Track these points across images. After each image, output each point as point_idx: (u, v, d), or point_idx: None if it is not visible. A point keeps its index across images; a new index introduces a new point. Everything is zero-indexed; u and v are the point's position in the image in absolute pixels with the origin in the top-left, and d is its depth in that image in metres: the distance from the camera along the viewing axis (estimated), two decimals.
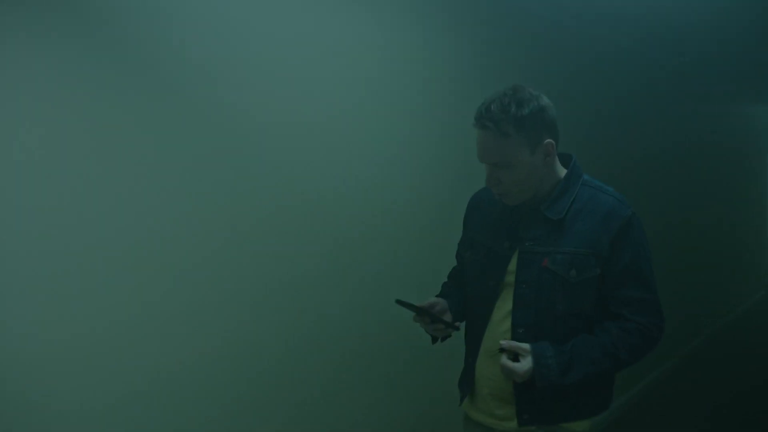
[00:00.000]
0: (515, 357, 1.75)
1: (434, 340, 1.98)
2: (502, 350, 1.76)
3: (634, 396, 4.81)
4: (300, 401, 2.42)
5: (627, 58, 4.68)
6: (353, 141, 2.59)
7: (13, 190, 1.71)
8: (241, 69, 2.19)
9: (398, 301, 1.79)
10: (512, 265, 1.85)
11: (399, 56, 2.77)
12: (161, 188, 2.00)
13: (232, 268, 2.19)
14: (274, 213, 2.31)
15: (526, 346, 1.75)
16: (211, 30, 2.09)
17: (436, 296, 2.03)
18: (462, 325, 1.98)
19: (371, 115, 2.66)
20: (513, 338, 1.82)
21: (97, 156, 1.86)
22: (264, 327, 2.29)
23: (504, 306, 1.86)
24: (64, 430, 1.80)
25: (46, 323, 1.77)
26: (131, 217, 1.93)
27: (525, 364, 1.72)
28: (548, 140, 1.77)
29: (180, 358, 2.06)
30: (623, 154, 4.66)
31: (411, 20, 2.83)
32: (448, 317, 1.93)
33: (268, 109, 2.27)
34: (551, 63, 3.77)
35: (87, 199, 1.84)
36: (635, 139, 4.87)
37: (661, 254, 5.22)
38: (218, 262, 2.15)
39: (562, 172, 1.86)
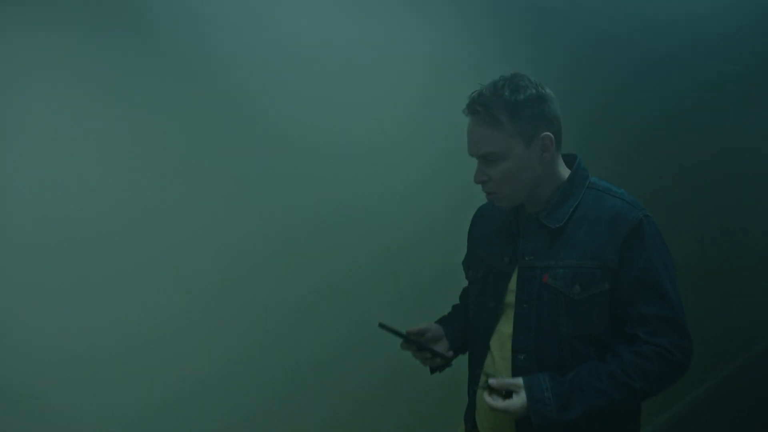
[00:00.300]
0: (509, 392, 1.53)
1: (432, 370, 1.77)
2: (490, 388, 1.53)
3: (662, 426, 4.39)
4: (333, 411, 2.36)
5: (673, 65, 4.45)
6: (395, 148, 2.54)
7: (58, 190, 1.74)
8: (286, 78, 2.20)
9: (381, 326, 1.59)
10: (513, 283, 1.64)
11: (442, 65, 2.73)
12: (202, 194, 2.01)
13: (269, 273, 2.18)
14: (312, 219, 2.29)
15: (518, 380, 1.51)
16: (257, 40, 2.12)
17: (437, 320, 1.82)
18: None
19: (413, 122, 2.61)
20: (513, 366, 1.60)
21: (134, 165, 1.87)
22: (299, 334, 2.26)
23: (505, 329, 1.64)
24: None
25: (76, 332, 1.78)
26: (169, 222, 1.94)
27: (518, 400, 1.49)
28: (546, 133, 1.55)
29: (219, 362, 2.06)
30: (673, 163, 4.43)
31: (456, 28, 2.79)
32: (443, 345, 1.72)
33: (312, 117, 2.27)
34: (596, 73, 3.64)
35: (126, 205, 1.86)
36: (686, 146, 4.62)
37: (711, 263, 4.89)
38: (256, 268, 2.14)
39: (566, 174, 1.64)
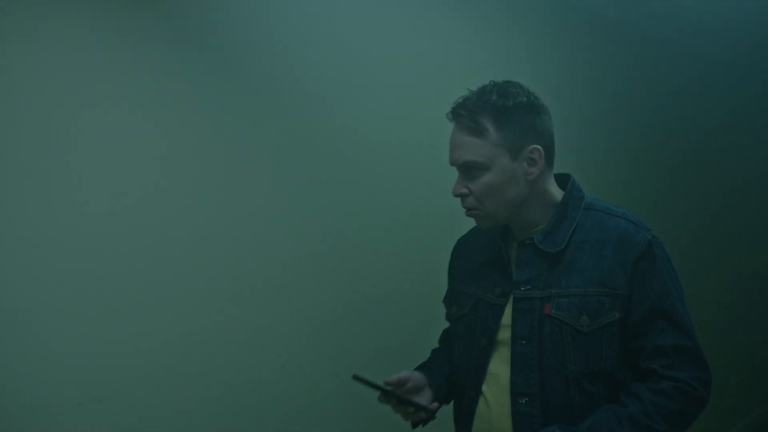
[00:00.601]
0: None
1: (414, 424, 1.54)
2: None
3: None
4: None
5: (735, 71, 4.36)
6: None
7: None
8: (356, 88, 2.28)
9: (356, 378, 1.37)
10: (506, 317, 1.44)
11: (497, 72, 2.64)
12: (272, 201, 2.12)
13: (330, 277, 2.24)
14: (377, 227, 2.34)
15: None
16: (327, 51, 2.22)
17: (417, 367, 1.61)
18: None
19: None
20: (513, 412, 1.39)
21: (197, 173, 1.98)
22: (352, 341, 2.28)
23: (500, 371, 1.44)
24: None
25: (138, 337, 1.86)
26: (232, 228, 2.04)
27: None
28: (535, 146, 1.40)
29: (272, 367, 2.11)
30: (737, 174, 4.28)
31: (514, 34, 2.84)
32: (426, 395, 1.50)
33: (382, 126, 2.33)
34: (652, 79, 3.58)
35: (188, 212, 1.96)
36: (750, 154, 4.47)
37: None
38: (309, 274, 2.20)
39: (558, 195, 1.48)
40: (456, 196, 1.45)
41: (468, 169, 1.41)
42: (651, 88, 3.57)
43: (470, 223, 1.55)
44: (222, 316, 2.01)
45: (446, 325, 1.69)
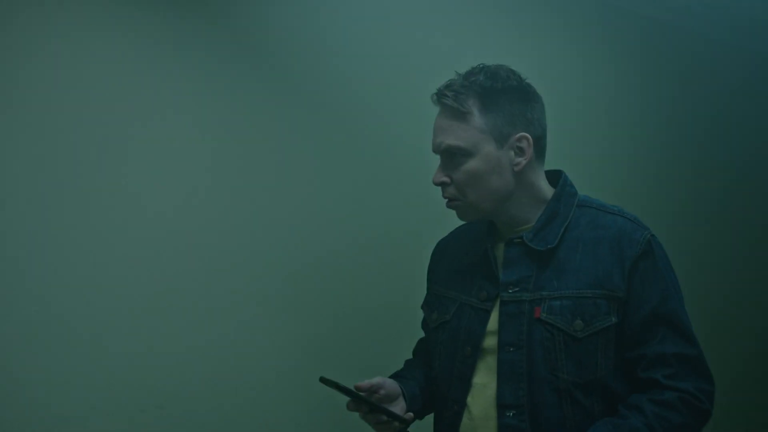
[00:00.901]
0: None
1: None
2: None
3: None
4: None
5: None
6: None
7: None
8: (403, 98, 2.29)
9: (323, 380, 1.24)
10: (493, 323, 1.32)
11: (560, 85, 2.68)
12: (318, 209, 2.18)
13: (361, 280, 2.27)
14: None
15: None
16: (378, 61, 2.28)
17: (390, 376, 1.48)
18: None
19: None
20: (500, 426, 1.26)
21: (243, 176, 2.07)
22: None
23: (485, 381, 1.31)
24: None
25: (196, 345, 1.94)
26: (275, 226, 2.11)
27: None
28: (523, 133, 1.29)
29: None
30: None
31: (568, 43, 2.82)
32: (398, 405, 1.36)
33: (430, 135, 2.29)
34: (709, 84, 3.49)
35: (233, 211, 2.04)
36: None
37: None
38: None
39: (549, 191, 1.37)
40: (436, 184, 1.34)
41: (450, 156, 1.31)
42: (707, 92, 3.49)
43: None
44: (279, 322, 2.11)
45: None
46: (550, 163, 1.44)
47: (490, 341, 1.32)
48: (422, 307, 1.54)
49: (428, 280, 1.55)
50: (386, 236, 2.32)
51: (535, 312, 1.26)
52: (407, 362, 1.60)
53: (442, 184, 1.33)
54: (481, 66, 1.32)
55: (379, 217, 2.32)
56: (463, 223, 1.49)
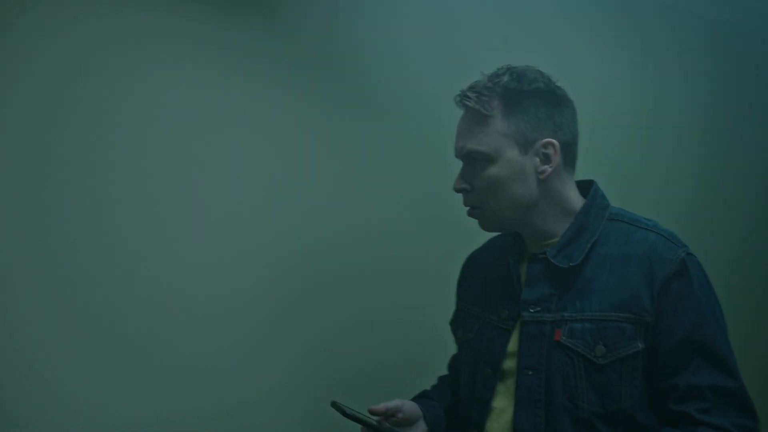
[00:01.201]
0: None
1: None
2: None
3: None
4: None
5: None
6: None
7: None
8: None
9: (335, 405, 1.18)
10: (513, 344, 1.24)
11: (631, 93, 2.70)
12: (384, 215, 2.20)
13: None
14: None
15: None
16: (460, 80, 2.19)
17: (415, 397, 1.41)
18: None
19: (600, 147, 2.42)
20: None
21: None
22: None
23: (504, 405, 1.23)
24: None
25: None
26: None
27: None
28: (549, 139, 1.20)
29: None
30: None
31: (637, 49, 2.75)
32: (419, 429, 1.30)
33: None
34: None
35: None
36: None
37: None
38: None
39: (579, 202, 1.27)
40: (456, 191, 1.27)
41: (471, 161, 1.24)
42: None
43: None
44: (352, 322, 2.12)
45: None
46: (593, 173, 1.35)
47: (510, 363, 1.24)
48: (450, 324, 1.48)
49: (457, 294, 1.49)
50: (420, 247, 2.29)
51: (555, 334, 1.17)
52: (440, 378, 1.55)
53: (462, 191, 1.27)
54: (507, 66, 1.25)
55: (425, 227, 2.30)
56: (495, 234, 1.42)
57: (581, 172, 1.32)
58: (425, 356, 1.96)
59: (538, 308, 1.21)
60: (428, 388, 1.51)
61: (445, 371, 1.56)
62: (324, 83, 2.12)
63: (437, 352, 1.70)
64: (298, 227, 2.05)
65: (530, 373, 1.19)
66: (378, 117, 2.21)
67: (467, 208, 1.29)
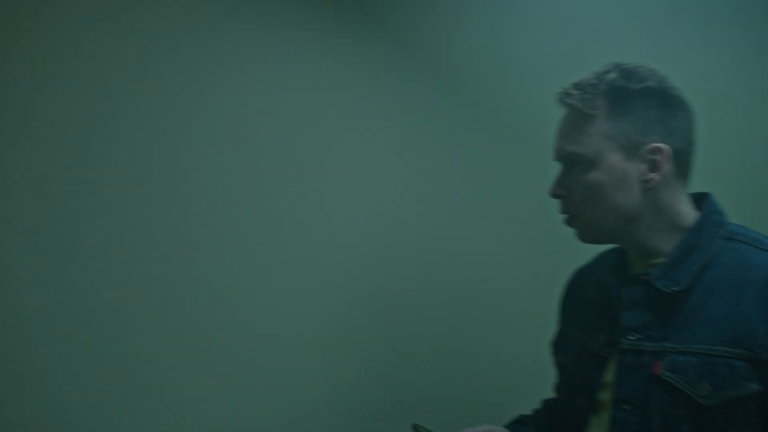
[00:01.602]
0: None
1: None
2: None
3: None
4: None
5: None
6: None
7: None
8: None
9: (416, 428, 1.12)
10: (610, 374, 1.13)
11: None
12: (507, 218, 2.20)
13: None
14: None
15: None
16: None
17: (509, 422, 1.34)
18: None
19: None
20: None
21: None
22: None
23: None
24: None
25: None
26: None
27: None
28: (657, 144, 1.09)
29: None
30: None
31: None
32: None
33: None
34: None
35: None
36: None
37: None
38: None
39: (691, 217, 1.14)
40: (552, 196, 1.18)
41: (570, 164, 1.14)
42: None
43: None
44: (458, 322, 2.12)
45: None
46: (707, 185, 1.22)
47: (606, 394, 1.13)
48: (550, 345, 1.38)
49: (559, 313, 1.39)
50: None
51: (654, 366, 1.05)
52: (544, 401, 1.46)
53: (559, 197, 1.17)
54: (616, 63, 1.14)
55: None
56: (604, 248, 1.31)
57: (693, 184, 1.20)
58: (525, 375, 1.92)
59: (639, 336, 1.09)
60: (529, 411, 1.43)
61: (549, 394, 1.47)
62: (441, 91, 2.14)
63: (537, 375, 1.62)
64: (414, 233, 2.08)
65: (627, 407, 1.08)
66: (497, 124, 2.20)
67: (564, 217, 1.19)
